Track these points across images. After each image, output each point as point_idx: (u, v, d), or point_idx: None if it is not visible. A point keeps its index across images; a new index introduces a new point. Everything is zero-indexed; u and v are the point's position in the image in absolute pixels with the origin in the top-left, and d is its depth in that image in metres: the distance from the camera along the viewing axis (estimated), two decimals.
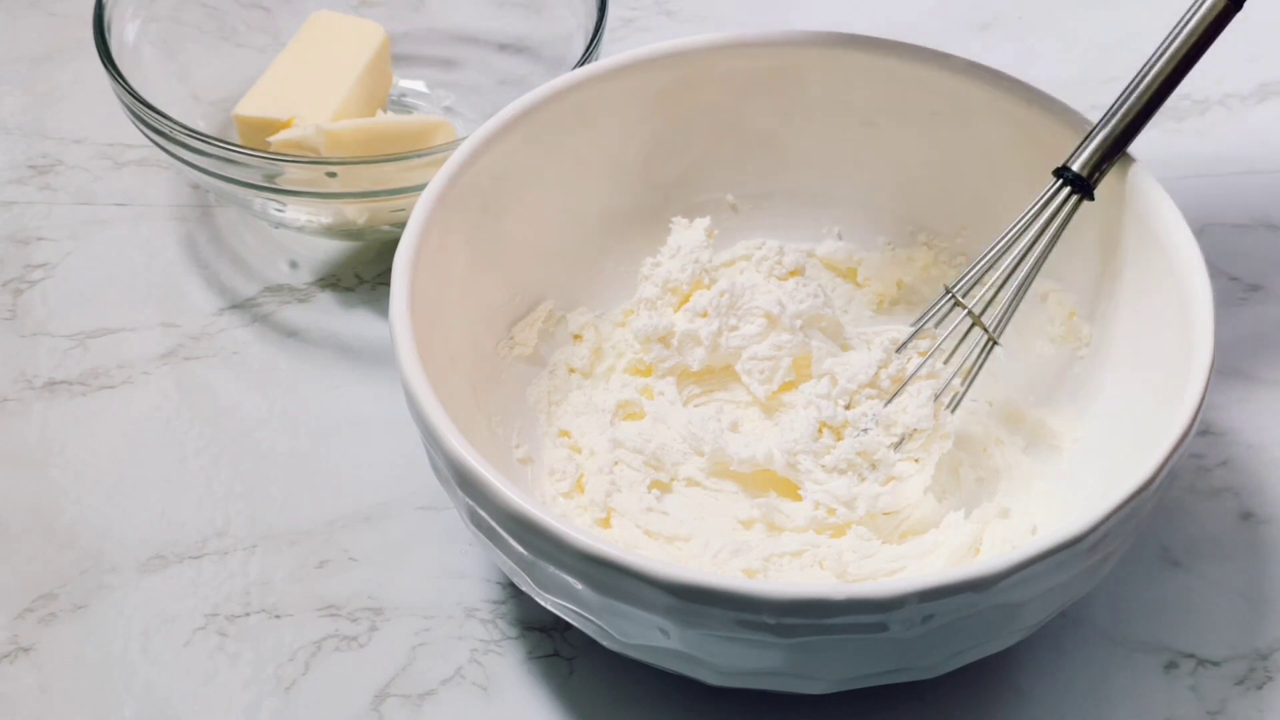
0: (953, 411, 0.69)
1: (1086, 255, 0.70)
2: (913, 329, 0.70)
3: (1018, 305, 0.67)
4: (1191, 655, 0.68)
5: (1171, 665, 0.68)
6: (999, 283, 0.68)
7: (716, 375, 0.73)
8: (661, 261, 0.74)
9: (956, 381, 0.69)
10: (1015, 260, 0.67)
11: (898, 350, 0.70)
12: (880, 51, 0.74)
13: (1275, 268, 0.83)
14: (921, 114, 0.74)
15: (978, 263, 0.68)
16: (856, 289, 0.77)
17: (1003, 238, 0.67)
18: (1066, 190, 0.67)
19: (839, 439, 0.69)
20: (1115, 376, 0.69)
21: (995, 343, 0.68)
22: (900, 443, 0.68)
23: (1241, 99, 0.93)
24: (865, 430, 0.69)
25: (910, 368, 0.70)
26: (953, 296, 0.68)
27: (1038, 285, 0.70)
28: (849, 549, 0.66)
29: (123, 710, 0.66)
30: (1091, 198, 0.67)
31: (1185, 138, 0.90)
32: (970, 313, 0.68)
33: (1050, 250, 0.67)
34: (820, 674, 0.60)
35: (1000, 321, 0.68)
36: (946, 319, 0.69)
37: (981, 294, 0.68)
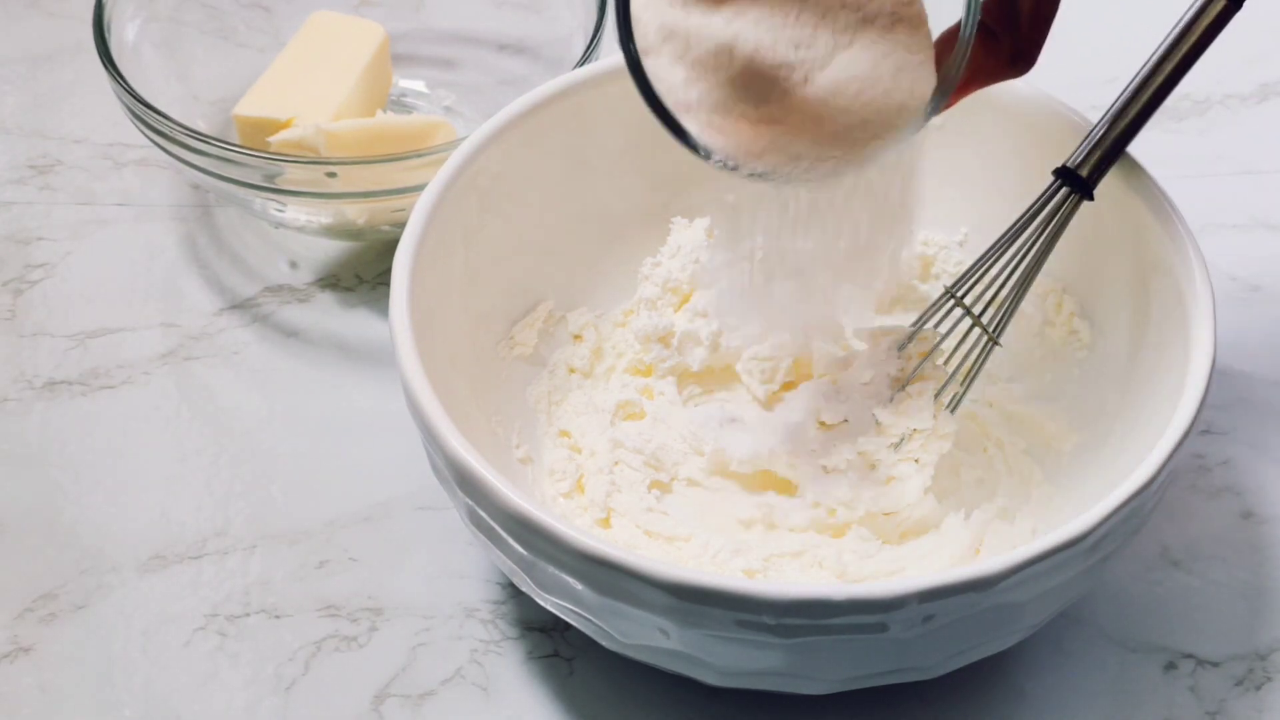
0: (952, 412, 0.69)
1: (1086, 255, 0.70)
2: (913, 329, 0.70)
3: (1017, 305, 0.67)
4: (1191, 656, 0.68)
5: (1171, 666, 0.68)
6: (999, 283, 0.67)
7: (716, 375, 0.73)
8: (661, 261, 0.74)
9: (956, 382, 0.69)
10: (1015, 260, 0.67)
11: (898, 350, 0.70)
12: None
13: (1275, 268, 0.83)
14: None
15: (978, 263, 0.68)
16: (856, 289, 0.77)
17: (1003, 238, 0.67)
18: (1066, 190, 0.66)
19: (839, 439, 0.69)
20: (1115, 376, 0.69)
21: (995, 343, 0.68)
22: (900, 443, 0.68)
23: (1241, 99, 0.93)
24: (865, 431, 0.69)
25: (910, 368, 0.70)
26: (953, 296, 0.68)
27: (1038, 285, 0.70)
28: (849, 549, 0.66)
29: (123, 710, 0.66)
30: (1091, 198, 0.66)
31: (1185, 138, 0.90)
32: (970, 313, 0.68)
33: (1050, 250, 0.67)
34: (820, 674, 0.60)
35: (1000, 322, 0.68)
36: (946, 319, 0.69)
37: (981, 294, 0.68)
